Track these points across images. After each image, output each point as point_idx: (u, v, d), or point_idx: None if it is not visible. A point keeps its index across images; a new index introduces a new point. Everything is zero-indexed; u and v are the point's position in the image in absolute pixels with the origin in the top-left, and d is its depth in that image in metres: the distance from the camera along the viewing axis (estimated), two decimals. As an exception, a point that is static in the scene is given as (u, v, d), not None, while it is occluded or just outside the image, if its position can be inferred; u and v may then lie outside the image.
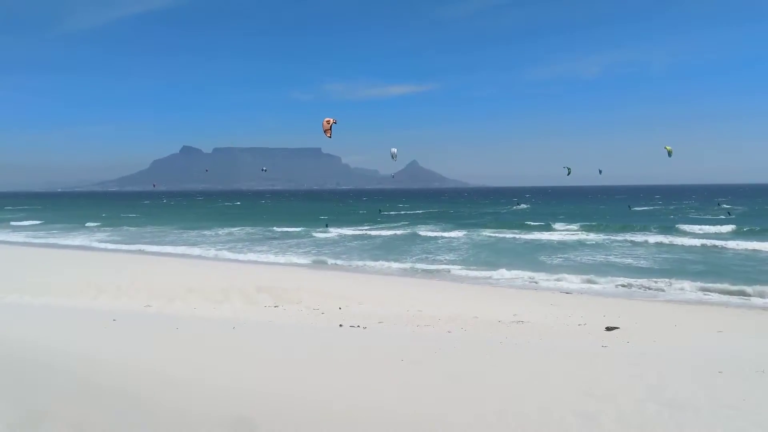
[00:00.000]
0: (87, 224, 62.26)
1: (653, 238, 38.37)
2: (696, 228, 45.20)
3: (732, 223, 47.30)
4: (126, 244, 42.74)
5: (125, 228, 57.05)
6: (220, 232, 51.83)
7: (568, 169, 29.75)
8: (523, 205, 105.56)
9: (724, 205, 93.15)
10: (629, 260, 29.52)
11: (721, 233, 42.13)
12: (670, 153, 23.38)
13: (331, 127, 14.91)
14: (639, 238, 38.81)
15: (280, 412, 6.47)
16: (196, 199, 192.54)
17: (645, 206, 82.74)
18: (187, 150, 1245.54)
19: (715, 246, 34.33)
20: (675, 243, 36.32)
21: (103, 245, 42.16)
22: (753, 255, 30.64)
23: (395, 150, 22.12)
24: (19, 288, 18.75)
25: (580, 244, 36.86)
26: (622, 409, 6.42)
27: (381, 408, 6.60)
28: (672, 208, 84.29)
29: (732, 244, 34.62)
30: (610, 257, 30.82)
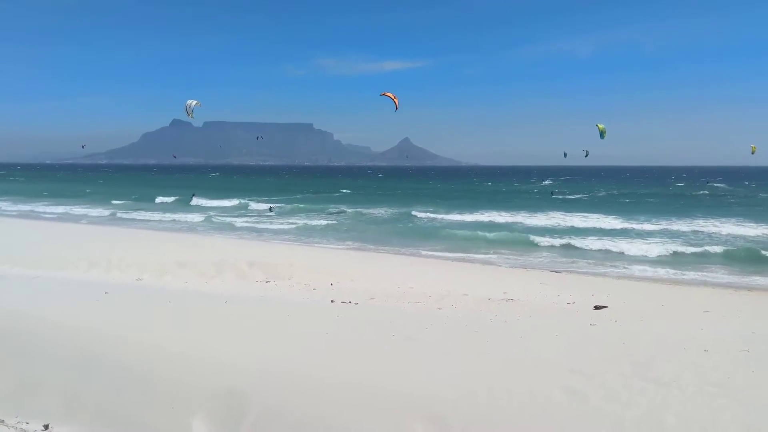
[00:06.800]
0: (76, 198, 61.69)
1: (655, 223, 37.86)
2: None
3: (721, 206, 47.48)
4: (114, 218, 42.60)
5: (114, 201, 56.63)
6: (214, 205, 51.55)
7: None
8: (548, 181, 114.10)
9: (713, 184, 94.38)
10: (629, 242, 29.20)
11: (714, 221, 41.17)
12: (602, 133, 20.67)
13: None
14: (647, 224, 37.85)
15: (272, 385, 6.55)
16: (210, 176, 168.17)
17: (567, 195, 76.54)
18: (177, 123, 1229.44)
19: (707, 228, 34.47)
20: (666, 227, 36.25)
21: (91, 219, 41.98)
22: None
23: (191, 102, 19.66)
24: (10, 259, 18.64)
25: (592, 229, 36.08)
26: (610, 386, 6.55)
27: (373, 382, 6.70)
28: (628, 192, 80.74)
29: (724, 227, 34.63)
30: (611, 239, 30.30)
